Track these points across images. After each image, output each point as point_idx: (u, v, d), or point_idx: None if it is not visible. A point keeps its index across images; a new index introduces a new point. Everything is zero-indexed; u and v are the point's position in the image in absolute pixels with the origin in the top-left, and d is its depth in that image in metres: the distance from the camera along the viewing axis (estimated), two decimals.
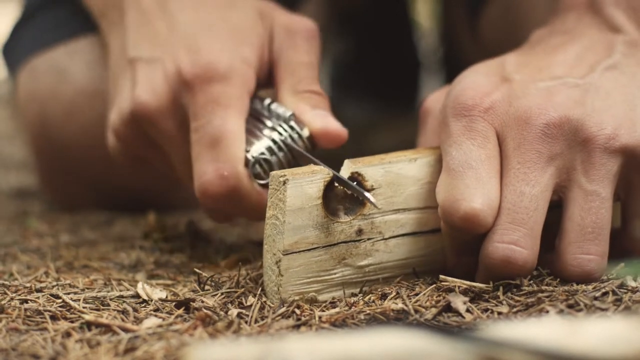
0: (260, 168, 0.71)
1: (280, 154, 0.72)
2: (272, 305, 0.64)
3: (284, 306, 0.64)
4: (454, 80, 0.69)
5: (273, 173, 0.63)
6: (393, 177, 0.66)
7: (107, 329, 0.61)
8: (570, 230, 0.64)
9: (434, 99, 0.72)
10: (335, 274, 0.65)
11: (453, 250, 0.66)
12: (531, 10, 0.80)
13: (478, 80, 0.67)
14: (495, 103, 0.65)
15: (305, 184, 0.63)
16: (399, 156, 0.66)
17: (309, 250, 0.64)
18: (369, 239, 0.65)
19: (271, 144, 0.72)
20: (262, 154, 0.71)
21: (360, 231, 0.65)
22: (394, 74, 1.64)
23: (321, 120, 0.73)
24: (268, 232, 0.64)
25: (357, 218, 0.65)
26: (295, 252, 0.63)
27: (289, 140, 0.72)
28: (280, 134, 0.72)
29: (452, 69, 1.59)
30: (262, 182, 0.71)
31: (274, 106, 0.73)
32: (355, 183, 0.64)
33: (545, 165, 0.64)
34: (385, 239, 0.66)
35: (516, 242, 0.62)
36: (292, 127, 0.72)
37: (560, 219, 0.64)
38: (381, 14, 1.59)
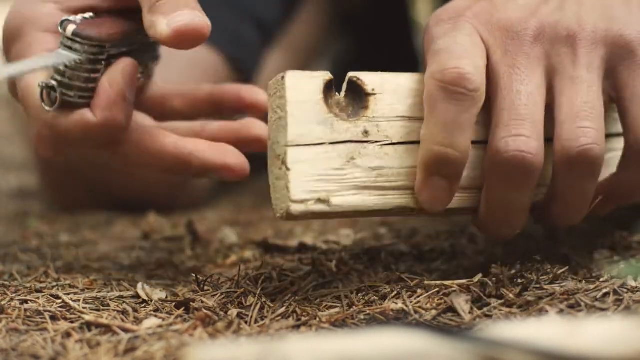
0: (47, 95, 0.64)
1: (69, 73, 0.64)
2: (279, 216, 0.61)
3: (283, 306, 0.64)
4: None
5: (272, 80, 0.62)
6: (394, 87, 0.64)
7: (107, 329, 0.61)
8: (563, 115, 0.63)
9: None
10: (345, 174, 0.62)
11: (429, 154, 0.62)
12: None
13: (457, 1, 0.67)
14: (478, 13, 0.65)
15: (305, 79, 0.61)
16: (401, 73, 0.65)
17: (315, 144, 0.61)
18: (376, 142, 0.63)
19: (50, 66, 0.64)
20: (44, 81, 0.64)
21: (366, 132, 0.62)
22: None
23: (170, 23, 0.63)
24: (272, 135, 0.62)
25: (362, 119, 0.62)
26: (302, 145, 0.60)
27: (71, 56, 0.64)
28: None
29: None
30: (49, 108, 0.64)
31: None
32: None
33: (534, 65, 0.63)
34: (394, 143, 0.63)
35: (524, 134, 0.61)
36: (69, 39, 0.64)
37: (553, 116, 0.63)
38: (381, 14, 1.59)
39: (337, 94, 0.62)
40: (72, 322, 0.62)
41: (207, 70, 1.01)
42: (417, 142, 0.63)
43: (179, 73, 0.98)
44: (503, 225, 0.65)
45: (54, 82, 0.64)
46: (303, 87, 0.61)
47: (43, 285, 0.70)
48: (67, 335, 0.60)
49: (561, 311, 0.61)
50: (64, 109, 0.64)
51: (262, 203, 1.05)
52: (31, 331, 0.61)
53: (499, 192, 0.63)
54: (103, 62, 0.65)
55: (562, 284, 0.64)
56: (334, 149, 0.61)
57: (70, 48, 0.64)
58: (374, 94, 0.63)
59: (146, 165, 0.68)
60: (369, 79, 0.63)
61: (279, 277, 0.70)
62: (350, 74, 0.63)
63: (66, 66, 0.64)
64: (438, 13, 0.66)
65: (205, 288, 0.69)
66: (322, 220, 0.66)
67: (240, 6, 1.06)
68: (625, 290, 0.63)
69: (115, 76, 0.64)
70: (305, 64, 1.26)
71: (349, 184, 0.62)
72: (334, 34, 1.61)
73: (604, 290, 0.63)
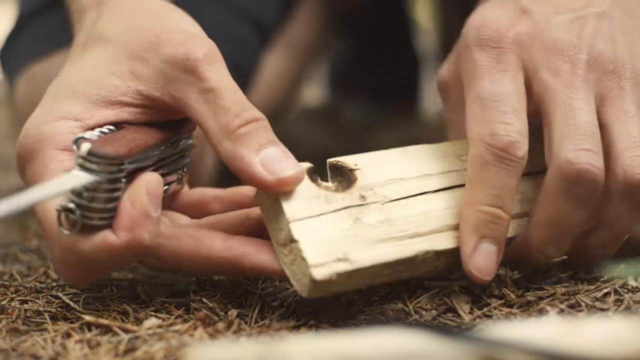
0: (65, 218, 0.59)
1: (88, 194, 0.58)
2: (305, 291, 0.58)
3: (283, 306, 0.64)
4: (470, 16, 0.68)
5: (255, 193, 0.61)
6: (375, 160, 0.64)
7: (107, 329, 0.61)
8: (622, 143, 0.63)
9: (449, 71, 0.71)
10: (356, 232, 0.60)
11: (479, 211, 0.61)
12: None
13: (497, 13, 0.66)
14: (521, 35, 0.65)
15: None
16: (387, 150, 0.65)
17: (316, 216, 0.60)
18: (376, 202, 0.62)
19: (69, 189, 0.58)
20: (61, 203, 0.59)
21: (363, 197, 0.62)
22: (394, 74, 1.64)
23: (272, 170, 0.60)
24: (272, 232, 0.61)
25: (354, 188, 0.62)
26: (303, 219, 0.59)
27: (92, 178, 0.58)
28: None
29: None
30: (68, 232, 0.59)
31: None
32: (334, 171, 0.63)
33: (590, 89, 0.64)
34: (394, 200, 0.62)
35: (593, 150, 0.61)
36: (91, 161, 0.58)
37: (607, 144, 0.63)
38: (381, 14, 1.59)
39: (321, 182, 0.62)
40: (72, 323, 0.62)
41: None
42: (417, 195, 0.63)
43: None
44: (551, 245, 0.63)
45: (72, 205, 0.58)
46: None
47: (43, 285, 0.70)
48: (67, 335, 0.60)
49: (561, 311, 0.61)
50: (84, 232, 0.59)
51: None
52: (31, 331, 0.61)
53: (558, 208, 0.62)
54: (124, 180, 0.59)
55: (563, 284, 0.64)
56: (336, 216, 0.60)
57: (86, 168, 0.58)
58: (358, 168, 0.63)
59: (189, 269, 0.65)
60: (349, 160, 0.63)
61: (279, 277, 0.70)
62: (329, 160, 0.63)
63: (85, 187, 0.58)
64: (478, 26, 0.66)
65: (206, 288, 0.69)
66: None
67: (238, 7, 1.06)
68: (625, 290, 0.63)
69: (138, 194, 0.59)
70: (304, 64, 1.25)
71: (363, 239, 0.60)
72: (334, 35, 1.61)
73: (604, 290, 0.63)
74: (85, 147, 0.58)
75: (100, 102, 0.63)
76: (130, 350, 0.58)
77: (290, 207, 0.59)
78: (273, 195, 0.60)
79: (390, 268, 0.60)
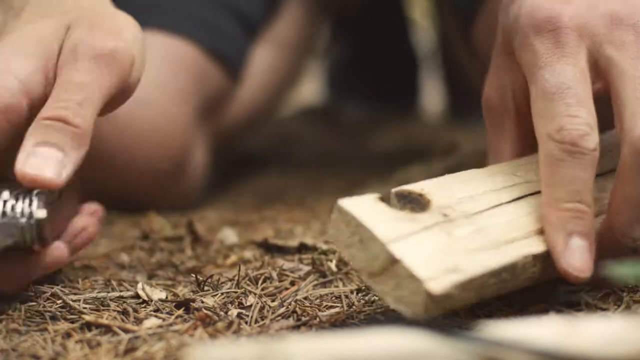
0: None
1: None
2: (422, 309, 0.55)
3: (283, 306, 0.64)
4: (515, 8, 0.66)
5: (330, 224, 0.58)
6: (438, 184, 0.62)
7: (107, 329, 0.61)
8: None
9: (492, 86, 0.69)
10: (454, 245, 0.57)
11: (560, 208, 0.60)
12: None
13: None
14: (577, 12, 0.63)
15: (357, 201, 0.58)
16: (440, 177, 0.64)
17: (408, 236, 0.57)
18: (460, 216, 0.59)
19: None
20: None
21: (445, 215, 0.59)
22: (393, 74, 1.64)
23: (25, 160, 0.60)
24: (362, 263, 0.57)
25: (433, 209, 0.59)
26: (398, 240, 0.56)
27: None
28: None
29: (450, 71, 1.60)
30: None
31: None
32: (402, 198, 0.60)
33: None
34: (474, 213, 0.60)
35: None
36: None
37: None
38: (379, 13, 1.59)
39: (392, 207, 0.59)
40: (72, 323, 0.62)
41: (190, 66, 1.01)
42: (493, 208, 0.61)
43: (157, 69, 0.98)
44: (637, 226, 0.61)
45: None
46: (362, 204, 0.58)
47: (43, 285, 0.70)
48: (67, 335, 0.60)
49: (561, 311, 0.61)
50: None
51: (262, 203, 1.05)
52: (31, 331, 0.61)
53: (637, 186, 0.60)
54: None
55: (562, 284, 0.64)
56: (428, 232, 0.58)
57: None
58: (426, 193, 0.61)
59: None
60: (412, 187, 0.61)
61: (279, 277, 0.71)
62: (394, 190, 0.60)
63: None
64: (530, 13, 0.64)
65: (206, 288, 0.69)
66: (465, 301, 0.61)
67: (220, 1, 1.06)
68: (625, 290, 0.63)
69: None
70: (293, 60, 1.25)
71: (463, 250, 0.57)
72: (332, 35, 1.61)
73: (604, 290, 0.63)
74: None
75: None
76: (130, 350, 0.58)
77: (380, 230, 0.56)
78: (353, 223, 0.57)
79: (497, 276, 0.58)
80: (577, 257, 0.58)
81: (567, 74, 0.61)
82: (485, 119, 0.70)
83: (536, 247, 0.59)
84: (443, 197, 0.61)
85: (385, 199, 0.59)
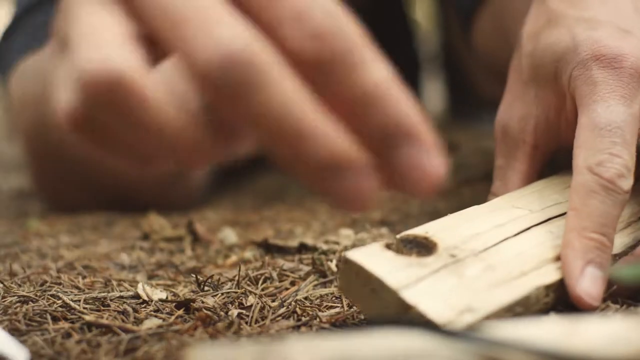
0: None
1: None
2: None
3: (283, 306, 0.64)
4: (571, 35, 0.66)
5: (339, 276, 0.58)
6: (442, 225, 0.62)
7: (107, 329, 0.61)
8: None
9: (508, 114, 0.70)
10: (466, 285, 0.57)
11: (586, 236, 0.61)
12: (519, 19, 0.79)
13: (605, 32, 0.65)
14: (638, 55, 0.64)
15: (364, 249, 0.58)
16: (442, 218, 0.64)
17: (418, 281, 0.56)
18: (468, 255, 0.59)
19: None
20: None
21: (453, 255, 0.59)
22: (394, 75, 1.64)
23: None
24: (373, 312, 0.57)
25: (439, 251, 0.59)
26: (409, 286, 0.56)
27: None
28: None
29: (451, 71, 1.60)
30: None
31: None
32: (409, 243, 0.60)
33: None
34: (482, 251, 0.60)
35: None
36: None
37: None
38: (380, 15, 1.59)
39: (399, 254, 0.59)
40: (72, 323, 0.62)
41: None
42: (500, 243, 0.61)
43: (161, 64, 0.98)
44: None
45: None
46: (369, 253, 0.58)
47: (43, 285, 0.70)
48: (68, 335, 0.60)
49: (561, 311, 0.61)
50: None
51: (262, 204, 1.05)
52: (31, 331, 0.61)
53: None
54: None
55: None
56: (438, 275, 0.57)
57: None
58: (431, 235, 0.60)
59: None
60: (416, 231, 0.61)
61: (279, 277, 0.71)
62: (398, 236, 0.60)
63: None
64: (595, 44, 0.64)
65: (206, 288, 0.69)
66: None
67: None
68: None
69: None
70: None
71: (475, 289, 0.57)
72: None
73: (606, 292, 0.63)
74: None
75: None
76: (130, 350, 0.58)
77: (391, 279, 0.56)
78: (363, 273, 0.57)
79: (510, 311, 0.58)
80: (591, 285, 0.59)
81: (620, 114, 0.62)
82: (497, 144, 0.71)
83: (547, 277, 0.60)
84: (449, 238, 0.61)
85: (390, 246, 0.59)
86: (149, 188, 0.98)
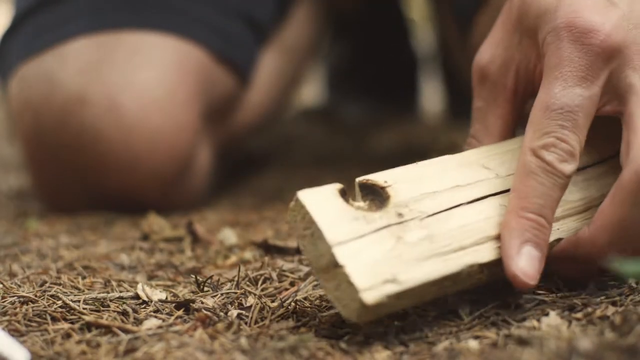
0: None
1: None
2: (355, 316, 0.57)
3: (283, 307, 0.64)
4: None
5: (288, 212, 0.59)
6: (403, 175, 0.62)
7: (107, 330, 0.61)
8: None
9: (492, 56, 0.69)
10: (400, 252, 0.58)
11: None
12: None
13: (587, 2, 0.64)
14: (612, 30, 0.63)
15: (317, 193, 0.59)
16: (412, 164, 0.64)
17: (357, 238, 0.58)
18: (414, 218, 0.60)
19: None
20: None
21: (400, 214, 0.60)
22: (392, 74, 1.64)
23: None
24: (312, 258, 0.58)
25: (389, 206, 0.60)
26: (345, 242, 0.57)
27: None
28: None
29: (449, 70, 1.60)
30: None
31: None
32: (365, 190, 0.61)
33: None
34: (431, 214, 0.61)
35: None
36: None
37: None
38: (378, 15, 1.60)
39: (353, 202, 0.60)
40: (72, 323, 0.62)
41: (198, 70, 1.01)
42: (452, 208, 0.61)
43: (165, 72, 0.98)
44: (615, 250, 0.62)
45: None
46: (320, 198, 0.59)
47: (43, 286, 0.70)
48: (68, 336, 0.60)
49: (562, 311, 0.61)
50: None
51: (262, 204, 1.05)
52: (31, 332, 0.61)
53: (630, 213, 0.61)
54: None
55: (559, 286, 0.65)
56: (378, 236, 0.58)
57: None
58: (389, 185, 0.61)
59: None
60: (378, 176, 0.61)
61: (278, 278, 0.71)
62: (358, 180, 0.61)
63: None
64: (572, 13, 0.64)
65: (205, 289, 0.69)
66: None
67: (229, 4, 1.06)
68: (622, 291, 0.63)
69: None
70: (300, 65, 1.26)
71: (408, 258, 0.58)
72: (332, 36, 1.61)
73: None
74: None
75: None
76: (130, 350, 0.58)
77: (330, 231, 0.57)
78: (308, 218, 0.58)
79: (437, 285, 0.59)
80: (528, 264, 0.60)
81: (576, 98, 0.62)
82: (476, 86, 0.70)
83: (485, 255, 0.60)
84: (404, 192, 0.61)
85: (344, 192, 0.60)
86: (149, 190, 0.98)
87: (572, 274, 0.64)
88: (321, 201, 0.59)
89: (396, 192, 0.61)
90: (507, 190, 0.63)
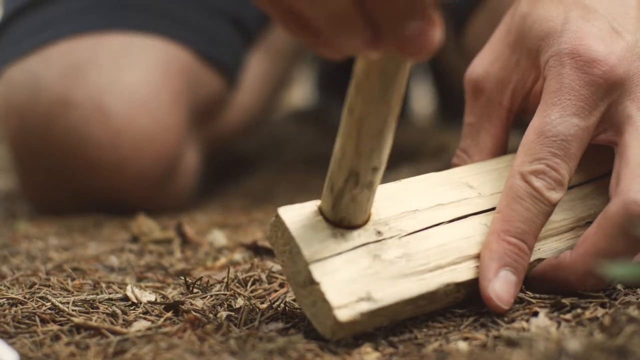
0: None
1: None
2: (329, 333, 0.57)
3: (272, 308, 0.64)
4: (561, 22, 0.65)
5: (269, 228, 0.60)
6: (387, 191, 0.62)
7: (96, 331, 0.61)
8: None
9: (487, 73, 0.69)
10: (376, 270, 0.58)
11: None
12: None
13: (593, 30, 0.64)
14: (615, 62, 0.63)
15: (297, 210, 0.59)
16: (396, 181, 0.64)
17: (334, 255, 0.58)
18: (393, 236, 0.60)
19: None
20: None
21: (379, 232, 0.60)
22: None
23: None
24: (290, 275, 0.59)
25: (369, 224, 0.60)
26: (321, 260, 0.58)
27: None
28: None
29: (439, 72, 1.60)
30: None
31: None
32: None
33: None
34: (410, 233, 0.61)
35: None
36: None
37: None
38: None
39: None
40: (61, 325, 0.62)
41: (185, 71, 1.01)
42: (432, 227, 0.61)
43: (152, 74, 0.98)
44: (595, 278, 0.62)
45: None
46: (299, 215, 0.59)
47: (32, 288, 0.70)
48: (56, 337, 0.60)
49: (551, 312, 0.61)
50: None
51: (252, 205, 1.05)
52: (20, 334, 0.61)
53: (613, 244, 0.61)
54: None
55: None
56: (355, 254, 0.58)
57: None
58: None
59: None
60: None
61: (268, 280, 0.71)
62: None
63: None
64: (578, 40, 0.63)
65: (195, 290, 0.69)
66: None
67: (215, 6, 1.06)
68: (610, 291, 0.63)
69: None
70: (288, 67, 1.26)
71: (384, 276, 0.58)
72: None
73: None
74: None
75: None
76: (119, 352, 0.58)
77: (307, 248, 0.58)
78: (287, 234, 0.58)
79: (413, 304, 0.59)
80: (503, 288, 0.60)
81: (571, 127, 0.62)
82: (469, 101, 0.70)
83: (462, 274, 0.60)
84: (385, 210, 0.61)
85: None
86: (136, 190, 0.98)
87: (548, 291, 0.64)
88: (300, 218, 0.59)
89: (377, 210, 0.61)
90: (490, 210, 0.63)
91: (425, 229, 0.61)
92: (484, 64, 0.69)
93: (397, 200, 0.62)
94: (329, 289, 0.57)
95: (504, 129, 0.68)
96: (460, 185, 0.64)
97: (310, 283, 0.57)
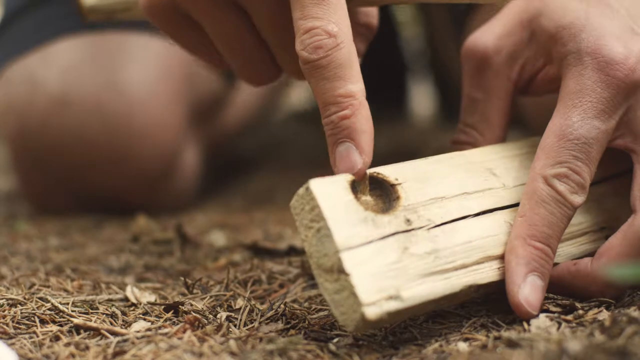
0: None
1: None
2: (353, 329, 0.56)
3: (272, 309, 0.64)
4: (583, 20, 0.64)
5: (295, 197, 0.58)
6: (414, 173, 0.61)
7: (95, 332, 0.61)
8: None
9: (496, 46, 0.68)
10: (405, 265, 0.57)
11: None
12: None
13: (615, 30, 0.63)
14: (636, 65, 0.62)
15: (329, 184, 0.58)
16: (421, 159, 0.63)
17: (365, 244, 0.56)
18: (421, 227, 0.59)
19: None
20: None
21: (408, 220, 0.59)
22: (382, 78, 1.64)
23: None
24: (314, 251, 0.57)
25: (399, 210, 0.59)
26: (353, 248, 0.56)
27: None
28: None
29: (439, 72, 1.60)
30: None
31: None
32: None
33: None
34: (438, 225, 0.60)
35: None
36: None
37: None
38: None
39: (361, 195, 0.59)
40: (61, 326, 0.62)
41: (184, 70, 1.01)
42: (459, 220, 0.61)
43: (151, 72, 0.98)
44: (612, 286, 0.62)
45: None
46: (331, 192, 0.57)
47: (32, 288, 0.70)
48: (56, 338, 0.60)
49: (551, 313, 0.61)
50: None
51: (252, 205, 1.05)
52: (20, 334, 0.61)
53: (637, 255, 0.61)
54: None
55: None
56: (384, 244, 0.57)
57: None
58: (400, 183, 0.60)
59: None
60: (389, 171, 0.61)
61: (268, 280, 0.71)
62: (369, 171, 0.60)
63: None
64: (600, 39, 0.63)
65: (194, 291, 0.69)
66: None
67: None
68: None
69: None
70: None
71: (412, 273, 0.57)
72: None
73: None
74: None
75: None
76: (118, 353, 0.58)
77: (339, 233, 0.56)
78: (317, 212, 0.57)
79: (435, 303, 0.58)
80: (532, 294, 0.60)
81: (593, 131, 0.61)
82: (470, 72, 0.69)
83: (484, 276, 0.60)
84: (414, 194, 0.60)
85: (355, 184, 0.59)
86: (135, 189, 0.98)
87: (554, 293, 0.64)
88: (333, 196, 0.57)
89: (406, 194, 0.60)
90: (514, 205, 0.63)
91: (453, 222, 0.60)
92: (493, 38, 0.68)
93: (423, 182, 0.61)
94: (359, 282, 0.55)
95: (510, 103, 0.68)
96: (484, 172, 0.64)
97: (339, 271, 0.55)
